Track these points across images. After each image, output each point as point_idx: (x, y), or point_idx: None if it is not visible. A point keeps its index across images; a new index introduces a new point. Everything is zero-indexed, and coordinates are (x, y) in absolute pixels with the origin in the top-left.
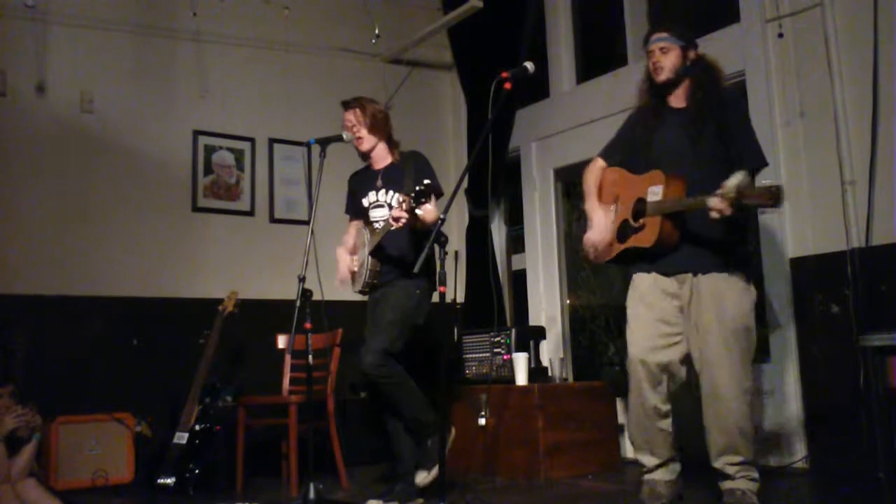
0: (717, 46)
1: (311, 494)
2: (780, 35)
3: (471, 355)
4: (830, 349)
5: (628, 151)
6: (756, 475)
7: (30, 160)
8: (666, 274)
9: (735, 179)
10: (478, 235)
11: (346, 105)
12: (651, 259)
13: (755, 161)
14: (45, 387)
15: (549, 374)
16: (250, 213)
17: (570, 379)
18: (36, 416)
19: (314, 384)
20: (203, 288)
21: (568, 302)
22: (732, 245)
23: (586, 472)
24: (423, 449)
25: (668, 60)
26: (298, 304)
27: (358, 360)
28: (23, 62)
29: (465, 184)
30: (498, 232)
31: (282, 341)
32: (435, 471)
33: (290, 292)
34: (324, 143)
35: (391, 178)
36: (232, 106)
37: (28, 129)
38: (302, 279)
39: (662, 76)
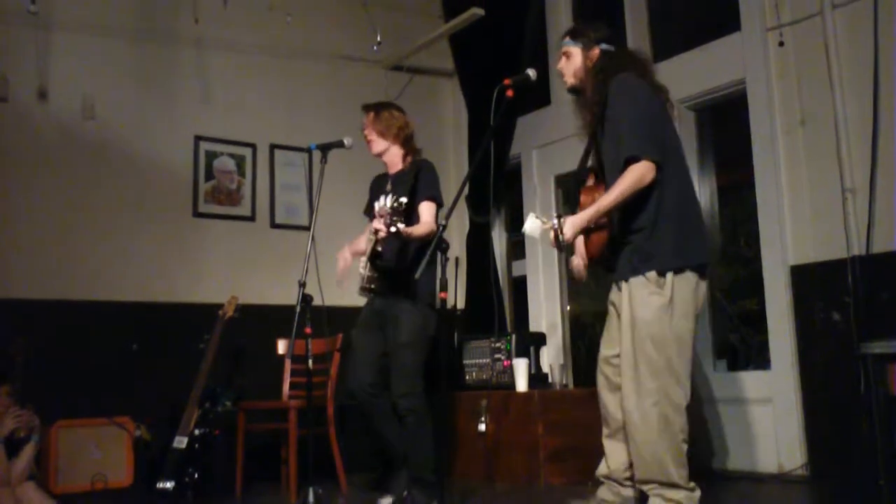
0: (718, 55)
1: (311, 499)
2: (781, 44)
3: (471, 361)
4: (831, 356)
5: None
6: (675, 495)
7: (31, 166)
8: (613, 281)
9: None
10: (478, 242)
11: (365, 108)
12: (610, 268)
13: (623, 156)
14: (45, 391)
15: (550, 380)
16: (251, 219)
17: (571, 385)
18: (34, 417)
19: (314, 389)
20: (203, 293)
21: (568, 308)
22: (640, 241)
23: (586, 479)
24: (413, 493)
25: (569, 66)
26: (299, 309)
27: (349, 382)
28: (25, 68)
29: (465, 190)
30: (498, 238)
31: (282, 346)
32: None
33: (290, 297)
34: (325, 148)
35: (398, 185)
36: (233, 112)
37: (30, 134)
38: (302, 284)
39: (567, 83)
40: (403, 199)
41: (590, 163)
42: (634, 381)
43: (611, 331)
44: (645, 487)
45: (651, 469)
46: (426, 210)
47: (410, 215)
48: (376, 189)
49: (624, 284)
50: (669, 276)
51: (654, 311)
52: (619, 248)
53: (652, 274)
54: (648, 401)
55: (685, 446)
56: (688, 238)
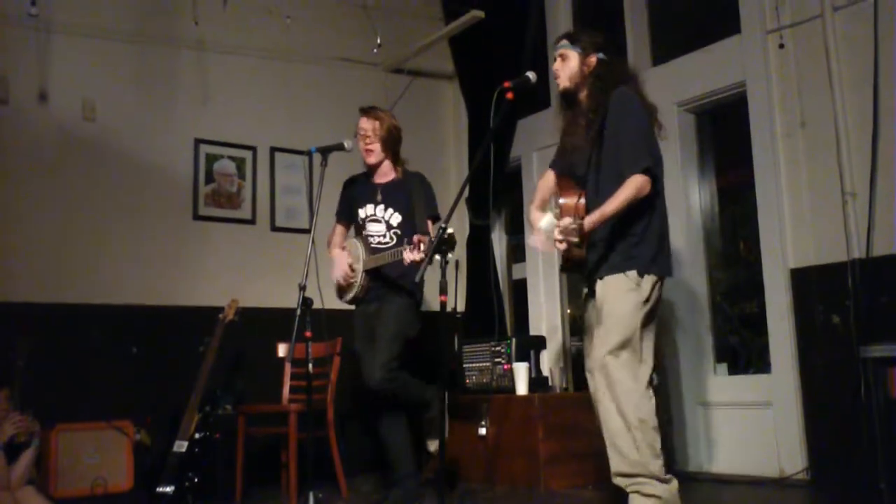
0: (718, 57)
1: (311, 503)
2: (781, 46)
3: (471, 365)
4: (831, 360)
5: (567, 158)
6: (653, 490)
7: (31, 168)
8: (587, 284)
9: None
10: (478, 245)
11: (366, 112)
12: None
13: (629, 167)
14: (45, 394)
15: (550, 383)
16: (251, 222)
17: (571, 389)
18: (34, 422)
19: (314, 393)
20: (203, 296)
21: (569, 311)
22: (626, 246)
23: (586, 483)
24: (427, 424)
25: (565, 68)
26: (299, 312)
27: (364, 379)
28: (25, 70)
29: (465, 193)
30: (499, 241)
31: (282, 350)
32: None
33: (290, 301)
34: (325, 151)
35: (392, 196)
36: (233, 114)
37: (30, 136)
38: (303, 288)
39: (560, 84)
40: (451, 231)
41: (561, 165)
42: (606, 370)
43: (591, 339)
44: (623, 483)
45: (627, 460)
46: (430, 228)
47: (412, 227)
48: (362, 195)
49: (599, 283)
50: (647, 277)
51: (631, 307)
52: (604, 251)
53: (633, 273)
54: (618, 388)
55: (658, 437)
56: (664, 251)
